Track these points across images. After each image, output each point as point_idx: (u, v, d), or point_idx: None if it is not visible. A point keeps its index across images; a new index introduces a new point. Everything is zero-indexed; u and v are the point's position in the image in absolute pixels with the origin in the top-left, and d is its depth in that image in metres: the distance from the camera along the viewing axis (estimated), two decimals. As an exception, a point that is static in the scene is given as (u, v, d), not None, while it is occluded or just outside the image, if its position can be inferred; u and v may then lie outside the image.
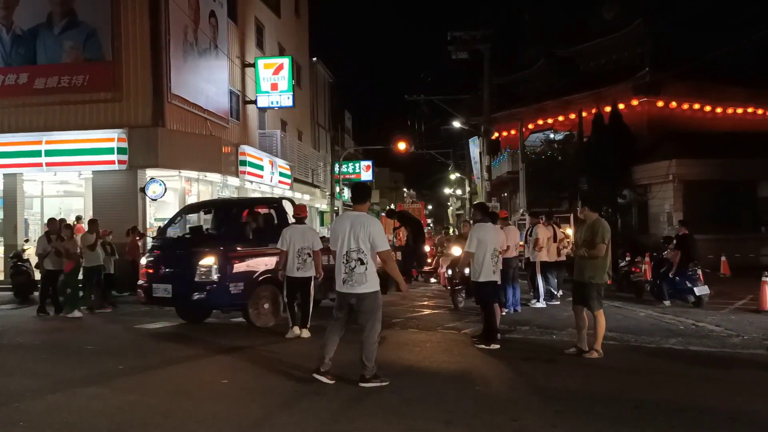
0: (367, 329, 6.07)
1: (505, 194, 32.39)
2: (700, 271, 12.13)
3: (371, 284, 6.05)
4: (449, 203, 53.56)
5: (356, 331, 6.16)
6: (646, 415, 5.20)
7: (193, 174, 18.09)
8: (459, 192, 50.88)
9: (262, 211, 11.12)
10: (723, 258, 18.38)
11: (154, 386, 6.33)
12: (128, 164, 16.30)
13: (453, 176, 50.26)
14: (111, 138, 16.22)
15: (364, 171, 38.93)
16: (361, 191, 6.48)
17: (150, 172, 16.72)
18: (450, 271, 12.79)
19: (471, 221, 10.25)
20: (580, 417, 5.13)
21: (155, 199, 16.61)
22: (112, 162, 16.20)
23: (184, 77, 17.75)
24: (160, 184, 16.39)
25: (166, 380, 6.64)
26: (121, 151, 16.20)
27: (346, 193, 37.26)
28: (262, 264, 9.78)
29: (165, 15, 16.87)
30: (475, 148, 35.15)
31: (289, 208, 10.50)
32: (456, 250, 12.05)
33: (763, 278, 11.25)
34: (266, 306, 9.74)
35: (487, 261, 8.06)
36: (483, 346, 8.01)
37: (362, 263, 5.96)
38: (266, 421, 5.13)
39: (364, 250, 5.96)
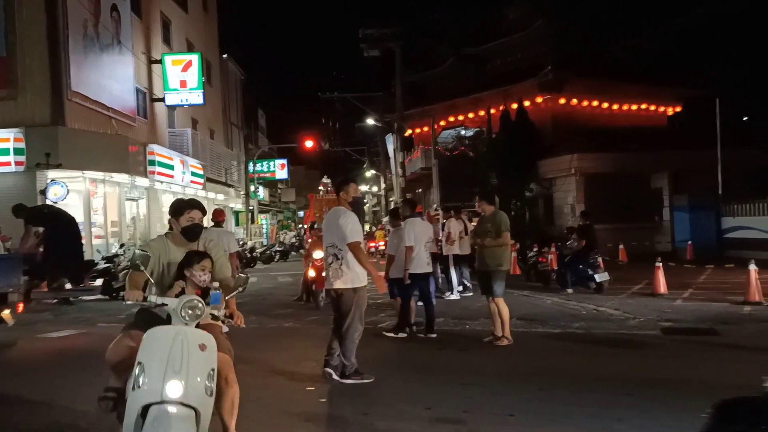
0: (344, 326, 5.96)
1: (420, 190, 32.98)
2: (600, 259, 12.87)
3: (347, 280, 5.92)
4: (365, 200, 53.85)
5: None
6: (552, 395, 5.54)
7: (99, 175, 17.32)
8: (375, 189, 51.31)
9: None
10: (621, 246, 19.58)
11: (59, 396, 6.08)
12: (26, 165, 15.41)
13: (368, 173, 50.60)
14: (6, 138, 15.28)
15: (279, 169, 38.50)
16: (337, 184, 6.53)
17: (50, 174, 15.86)
18: None
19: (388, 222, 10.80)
20: (491, 402, 5.40)
21: (56, 202, 15.77)
22: (8, 163, 15.29)
23: (85, 74, 16.94)
24: (62, 186, 15.57)
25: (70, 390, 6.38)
26: (17, 151, 15.29)
27: (261, 192, 36.76)
28: None
29: (62, 8, 16.03)
30: (390, 144, 35.54)
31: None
32: (318, 254, 11.07)
33: (656, 264, 12.09)
34: None
35: (421, 253, 8.37)
36: (391, 335, 8.37)
37: (337, 258, 5.89)
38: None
39: (338, 244, 5.88)
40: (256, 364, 7.04)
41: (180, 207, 4.16)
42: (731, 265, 15.86)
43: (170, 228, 4.30)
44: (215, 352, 3.38)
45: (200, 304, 3.41)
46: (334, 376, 6.03)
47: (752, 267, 10.47)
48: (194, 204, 4.22)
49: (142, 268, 3.73)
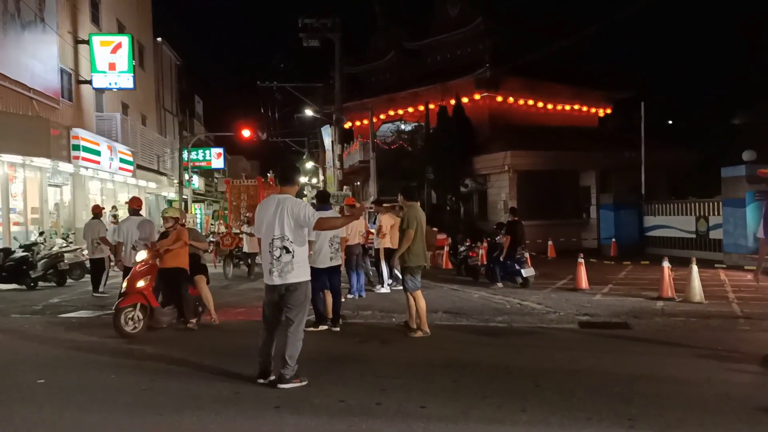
0: (294, 324, 5.62)
1: (358, 183, 32.97)
2: (527, 255, 13.19)
3: (299, 273, 5.61)
4: (305, 192, 53.44)
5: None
6: (463, 387, 5.63)
7: (17, 158, 16.49)
8: (314, 181, 50.96)
9: None
10: (550, 242, 20.11)
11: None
12: (-64, 147, 14.52)
13: (308, 165, 50.19)
14: None
15: (215, 158, 37.58)
16: (288, 171, 5.96)
17: (-37, 156, 15.02)
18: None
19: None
20: (404, 393, 5.43)
21: (-30, 186, 14.98)
22: None
23: (4, 51, 16.06)
24: (-24, 170, 14.81)
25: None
26: (-74, 132, 14.38)
27: (196, 181, 35.86)
28: None
29: (-21, -19, 15.18)
30: (327, 136, 35.32)
31: None
32: (140, 255, 8.51)
33: (579, 260, 12.47)
34: None
35: (324, 248, 8.23)
36: (311, 329, 8.13)
37: (287, 251, 5.51)
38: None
39: (289, 236, 5.51)
40: (163, 356, 6.86)
41: None
42: (647, 262, 16.54)
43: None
44: None
45: None
46: (285, 385, 5.56)
47: (665, 264, 10.94)
48: None
49: None
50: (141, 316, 8.05)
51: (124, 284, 8.31)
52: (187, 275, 8.61)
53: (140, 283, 8.16)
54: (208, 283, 9.11)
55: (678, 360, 6.73)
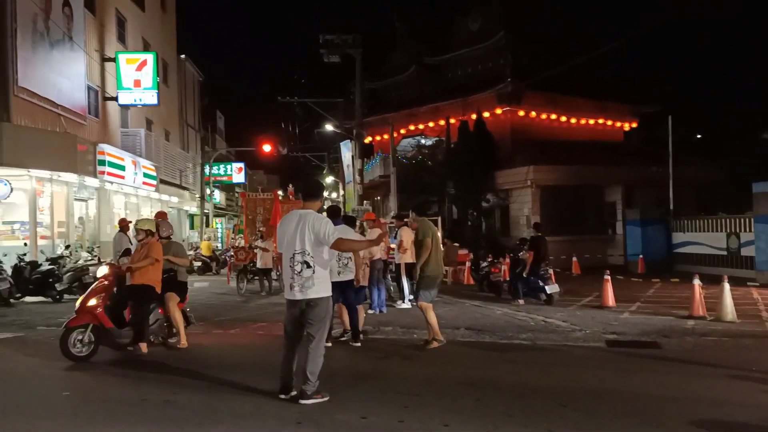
0: (315, 339, 5.58)
1: (378, 198, 32.93)
2: (551, 271, 12.96)
3: (321, 289, 5.57)
4: (324, 207, 53.54)
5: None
6: (487, 406, 5.49)
7: (45, 174, 16.75)
8: (334, 195, 51.06)
9: None
10: (574, 258, 19.81)
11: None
12: (-31, 163, 14.81)
13: (328, 179, 50.32)
14: (-53, 134, 14.66)
15: (236, 173, 37.98)
16: (312, 186, 5.99)
17: (-7, 172, 15.29)
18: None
19: None
20: (427, 411, 5.32)
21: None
22: (-51, 160, 14.66)
23: (33, 69, 16.41)
24: (5, 184, 15.10)
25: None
26: (-41, 148, 14.68)
27: (217, 196, 36.20)
28: None
29: (11, 2, 15.52)
30: (347, 151, 35.40)
31: None
32: (102, 270, 8.36)
33: (605, 276, 12.22)
34: None
35: (332, 263, 8.12)
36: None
37: (308, 266, 5.49)
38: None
39: (310, 251, 5.50)
40: (185, 370, 6.82)
41: None
42: (676, 280, 16.18)
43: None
44: None
45: None
46: (310, 400, 5.49)
47: (696, 282, 10.64)
48: None
49: None
50: (92, 338, 7.30)
51: (78, 302, 7.67)
52: (151, 293, 7.82)
53: (92, 302, 7.45)
54: (183, 302, 8.39)
55: (710, 381, 6.52)
